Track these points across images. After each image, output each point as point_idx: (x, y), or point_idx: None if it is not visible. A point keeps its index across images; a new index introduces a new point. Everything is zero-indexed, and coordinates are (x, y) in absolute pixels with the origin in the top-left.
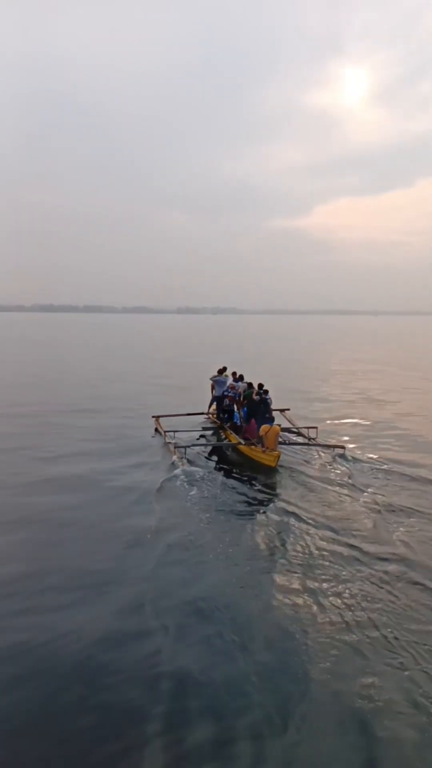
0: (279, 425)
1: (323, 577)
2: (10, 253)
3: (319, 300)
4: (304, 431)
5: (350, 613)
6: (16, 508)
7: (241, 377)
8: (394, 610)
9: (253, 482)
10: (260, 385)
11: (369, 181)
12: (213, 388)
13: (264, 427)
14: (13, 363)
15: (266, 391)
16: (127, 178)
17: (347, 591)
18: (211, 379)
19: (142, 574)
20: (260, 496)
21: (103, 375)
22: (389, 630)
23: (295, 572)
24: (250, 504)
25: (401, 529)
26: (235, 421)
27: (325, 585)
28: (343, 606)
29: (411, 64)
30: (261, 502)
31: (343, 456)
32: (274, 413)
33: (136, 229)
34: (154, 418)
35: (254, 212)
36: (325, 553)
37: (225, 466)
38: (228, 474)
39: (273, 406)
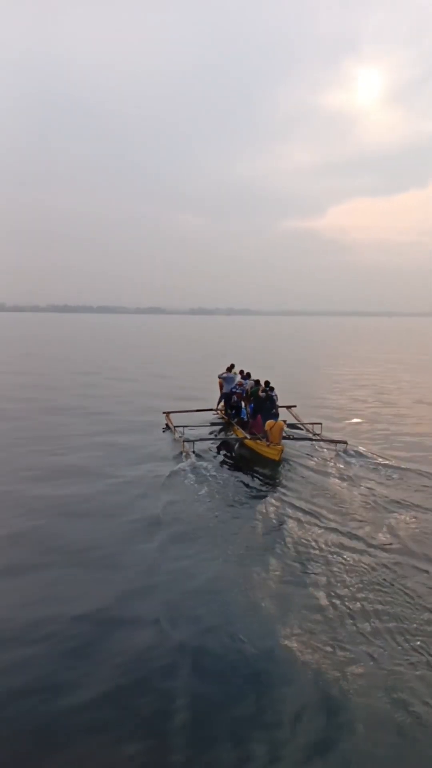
0: (284, 421)
1: (318, 563)
2: (26, 254)
3: (333, 301)
4: (309, 427)
5: (345, 598)
6: (28, 496)
7: (248, 375)
8: (393, 599)
9: (258, 475)
10: (266, 383)
11: (383, 182)
12: (221, 385)
13: (269, 423)
14: (27, 360)
15: (272, 388)
16: (139, 181)
17: (343, 577)
18: (219, 377)
19: (146, 560)
20: (263, 487)
21: (116, 374)
22: (388, 617)
23: (294, 560)
24: (253, 495)
25: (398, 520)
26: (242, 416)
27: (319, 571)
28: (338, 591)
29: (426, 64)
30: (264, 494)
31: (345, 451)
32: (281, 410)
33: (149, 230)
34: (165, 414)
35: (267, 213)
36: (320, 540)
37: (231, 460)
38: (234, 467)
39: (280, 403)
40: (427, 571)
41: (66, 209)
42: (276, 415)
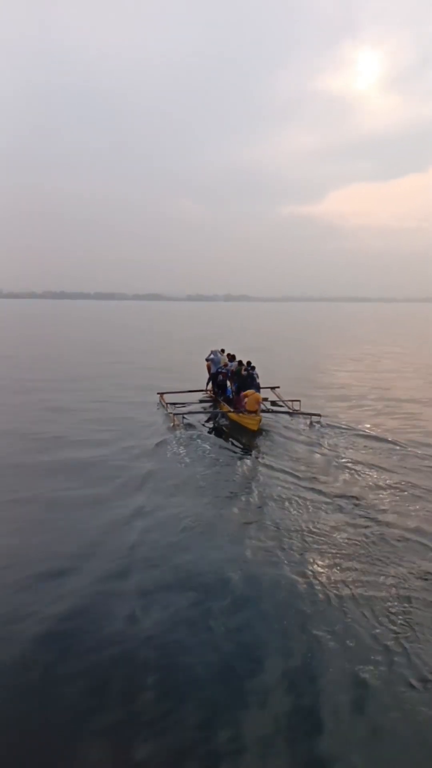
0: (266, 398)
1: (285, 516)
2: (23, 240)
3: (332, 287)
4: (288, 404)
5: (311, 550)
6: (33, 449)
7: (233, 357)
8: (361, 551)
9: (238, 443)
10: (248, 362)
11: (382, 167)
12: (209, 367)
13: (247, 392)
14: (22, 346)
15: (253, 368)
16: (140, 166)
17: (310, 529)
18: (206, 359)
19: (132, 507)
20: (242, 452)
21: (113, 358)
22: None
23: (257, 505)
24: (231, 457)
25: (354, 475)
26: (227, 394)
27: (287, 522)
28: (307, 542)
29: (426, 48)
30: (241, 456)
31: (318, 422)
32: (267, 390)
33: (147, 216)
34: (159, 395)
35: (266, 199)
36: (291, 498)
37: (215, 431)
38: (218, 435)
39: (265, 384)
40: (377, 517)
41: (64, 194)
42: (257, 390)
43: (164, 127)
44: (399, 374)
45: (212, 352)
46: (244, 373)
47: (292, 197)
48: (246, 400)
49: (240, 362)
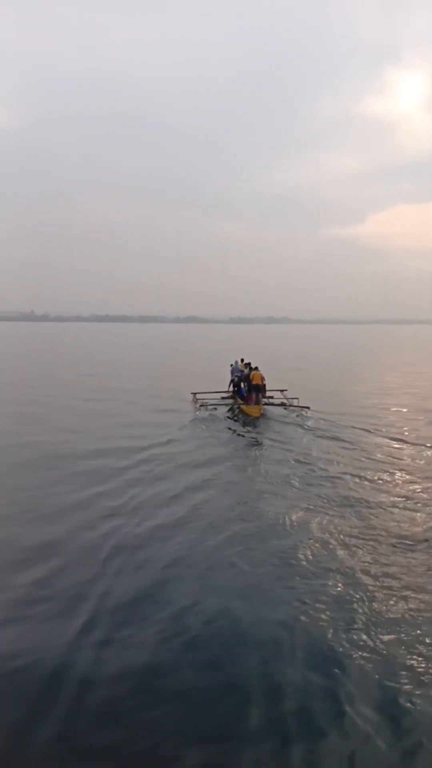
0: (271, 397)
1: (274, 468)
2: (68, 264)
3: (374, 309)
4: (287, 400)
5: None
6: (75, 436)
7: (248, 364)
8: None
9: (245, 426)
10: (248, 363)
11: (425, 188)
12: (232, 373)
13: (253, 374)
14: (77, 364)
15: (256, 368)
16: (179, 188)
17: (306, 497)
18: (230, 365)
19: (162, 460)
20: (247, 433)
21: (156, 372)
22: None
23: (261, 468)
24: (239, 434)
25: (337, 454)
26: (242, 393)
27: (276, 472)
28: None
29: None
30: (246, 435)
31: (307, 413)
32: (274, 392)
33: (188, 239)
34: (192, 394)
35: (306, 221)
36: (280, 470)
37: (230, 417)
38: (231, 420)
39: (276, 387)
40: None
41: (106, 220)
42: (260, 389)
43: (205, 150)
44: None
45: (233, 363)
46: (246, 370)
47: (333, 219)
48: (253, 381)
49: (248, 365)
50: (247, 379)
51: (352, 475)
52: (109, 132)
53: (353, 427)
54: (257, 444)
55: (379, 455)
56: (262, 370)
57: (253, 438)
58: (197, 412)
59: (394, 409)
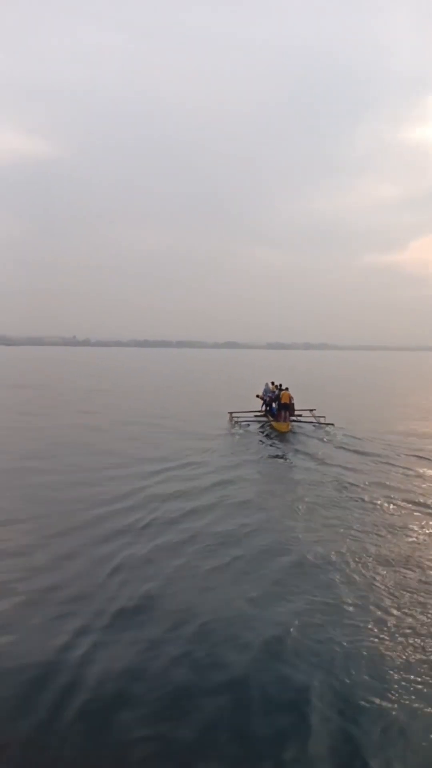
0: (300, 414)
1: (290, 480)
2: (109, 292)
3: (415, 336)
4: (315, 418)
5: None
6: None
7: (279, 386)
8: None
9: (275, 440)
10: (279, 385)
11: None
12: (264, 394)
13: (282, 393)
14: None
15: (286, 389)
16: (216, 217)
17: (325, 507)
18: (264, 386)
19: (201, 465)
20: (277, 446)
21: (198, 395)
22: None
23: (285, 477)
24: (269, 446)
25: (351, 464)
26: (272, 411)
27: (299, 493)
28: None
29: None
30: (276, 448)
31: (331, 430)
32: (304, 411)
33: (225, 266)
34: (229, 413)
35: (345, 248)
36: (308, 479)
37: (262, 433)
38: (263, 435)
39: (305, 407)
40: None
41: (144, 249)
42: (288, 408)
43: (241, 178)
44: None
45: (265, 385)
46: (276, 391)
47: (372, 246)
48: (282, 400)
49: (278, 386)
50: (277, 398)
51: (365, 482)
52: (146, 159)
53: (374, 441)
54: (282, 455)
55: (391, 468)
56: (293, 392)
57: (278, 448)
58: (233, 429)
59: (423, 430)
